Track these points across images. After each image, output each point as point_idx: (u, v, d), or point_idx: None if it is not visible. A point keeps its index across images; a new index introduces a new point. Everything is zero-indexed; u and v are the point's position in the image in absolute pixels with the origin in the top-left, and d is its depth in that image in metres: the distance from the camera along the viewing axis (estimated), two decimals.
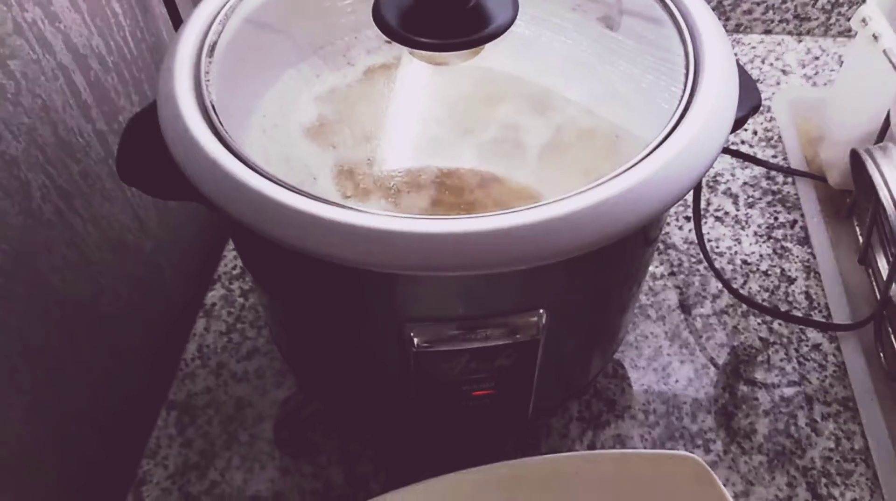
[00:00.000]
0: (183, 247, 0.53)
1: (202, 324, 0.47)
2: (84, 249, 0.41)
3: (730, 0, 0.65)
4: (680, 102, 0.30)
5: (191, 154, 0.26)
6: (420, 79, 0.36)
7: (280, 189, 0.25)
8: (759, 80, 0.63)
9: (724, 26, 0.67)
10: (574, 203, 0.24)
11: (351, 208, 0.24)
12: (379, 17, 0.31)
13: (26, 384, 0.37)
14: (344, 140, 0.34)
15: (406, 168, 0.32)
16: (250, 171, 0.25)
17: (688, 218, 0.52)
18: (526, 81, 0.37)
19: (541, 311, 0.28)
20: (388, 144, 0.33)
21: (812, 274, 0.48)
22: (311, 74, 0.38)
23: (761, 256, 0.50)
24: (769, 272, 0.49)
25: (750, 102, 0.34)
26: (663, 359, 0.45)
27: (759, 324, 0.46)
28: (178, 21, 0.47)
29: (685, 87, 0.31)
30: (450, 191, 0.33)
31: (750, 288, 0.48)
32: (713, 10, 0.66)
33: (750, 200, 0.53)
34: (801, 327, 0.46)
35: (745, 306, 0.47)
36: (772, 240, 0.51)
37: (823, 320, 0.46)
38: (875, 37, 0.43)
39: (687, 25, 0.34)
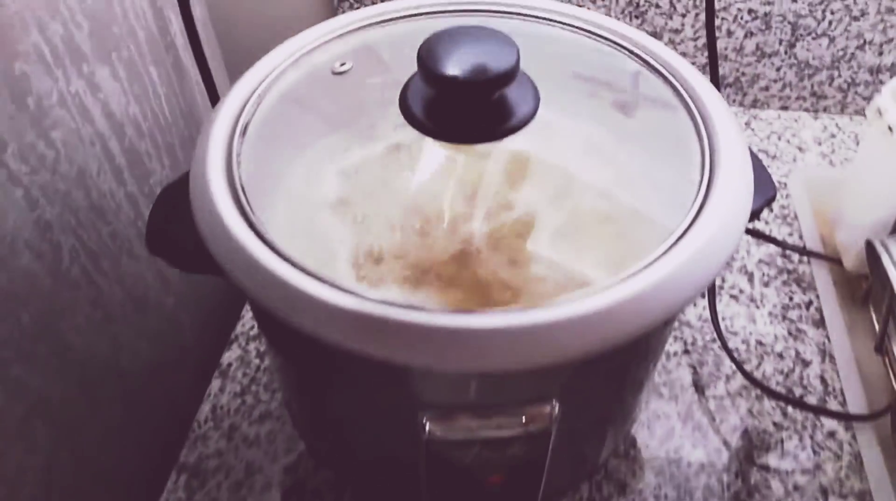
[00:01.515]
0: (203, 303, 0.54)
1: (217, 384, 0.48)
2: (107, 308, 0.42)
3: (747, 76, 0.66)
4: (696, 196, 0.31)
5: (218, 237, 0.27)
6: (442, 158, 0.37)
7: (301, 275, 0.25)
8: (775, 156, 0.64)
9: (741, 101, 0.68)
10: (593, 303, 0.25)
11: (369, 300, 0.24)
12: (405, 107, 0.32)
13: (44, 446, 0.38)
14: (364, 218, 0.35)
15: (424, 250, 0.33)
16: (274, 255, 0.26)
17: (702, 295, 0.52)
18: (545, 164, 0.38)
19: (553, 402, 0.28)
20: (407, 223, 0.34)
21: (827, 358, 0.48)
22: (338, 148, 0.40)
23: (776, 336, 0.50)
24: (784, 355, 0.49)
25: (765, 193, 0.35)
26: (676, 441, 0.44)
27: (773, 408, 0.46)
28: (213, 91, 0.49)
29: (701, 180, 0.31)
30: (467, 274, 0.33)
31: (764, 370, 0.48)
32: (730, 85, 0.67)
33: (765, 278, 0.54)
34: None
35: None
36: (787, 321, 0.51)
37: (839, 407, 0.45)
38: (890, 128, 0.43)
39: (700, 114, 0.35)
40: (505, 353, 0.23)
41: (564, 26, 0.38)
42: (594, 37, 0.38)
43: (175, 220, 0.32)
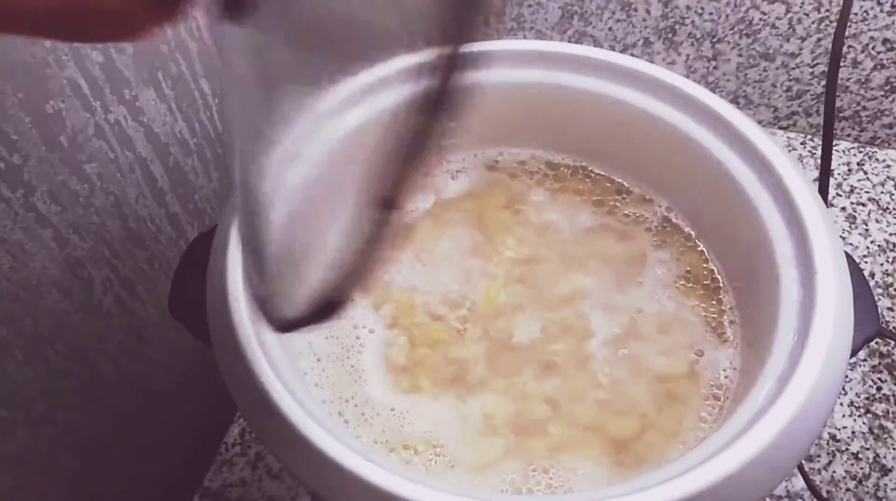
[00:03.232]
0: None
1: None
2: (142, 332, 0.41)
3: (869, 111, 0.58)
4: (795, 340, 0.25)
5: (237, 376, 0.25)
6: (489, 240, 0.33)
7: (317, 430, 0.22)
8: (887, 208, 0.56)
9: (857, 136, 0.60)
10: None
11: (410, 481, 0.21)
12: None
13: (68, 472, 0.38)
14: (395, 301, 0.32)
15: (465, 351, 0.30)
16: (292, 402, 0.23)
17: None
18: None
19: None
20: (451, 316, 0.31)
21: None
22: None
23: (854, 433, 0.45)
24: (860, 456, 0.44)
25: (864, 329, 0.30)
26: None
27: None
28: None
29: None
30: (503, 380, 0.30)
31: (833, 472, 0.43)
32: (847, 118, 0.59)
33: (852, 359, 0.48)
34: None
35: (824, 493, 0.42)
36: (870, 415, 0.45)
37: None
38: None
39: (794, 224, 0.29)
40: None
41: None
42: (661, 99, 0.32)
43: (201, 288, 0.30)
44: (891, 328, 0.48)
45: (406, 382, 0.29)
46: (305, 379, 0.28)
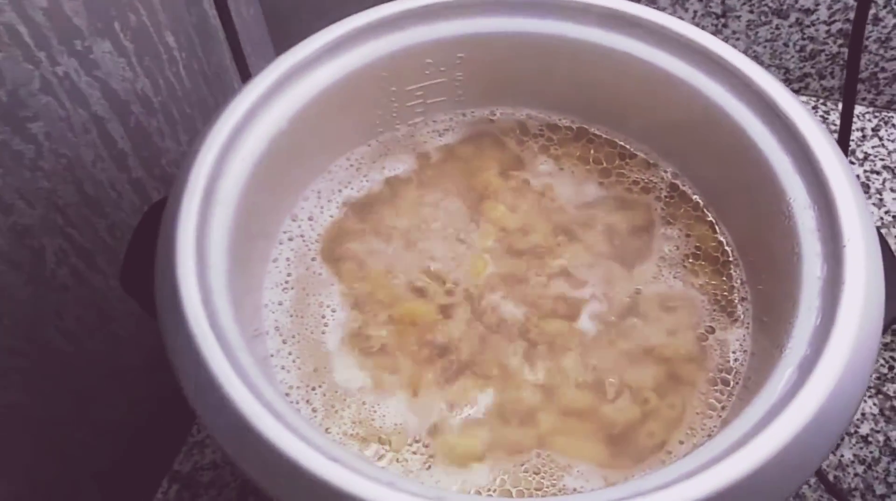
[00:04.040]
0: None
1: None
2: (103, 306, 0.38)
3: (888, 73, 0.55)
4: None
5: (190, 367, 0.22)
6: (468, 203, 0.30)
7: (271, 422, 0.19)
8: None
9: (873, 100, 0.57)
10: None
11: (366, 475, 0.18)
12: None
13: (26, 456, 0.35)
14: (369, 276, 0.28)
15: (446, 330, 0.27)
16: (243, 390, 0.20)
17: None
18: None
19: None
20: (422, 296, 0.28)
21: None
22: (366, 161, 0.33)
23: (864, 415, 0.42)
24: (870, 439, 0.41)
25: (893, 309, 0.27)
26: None
27: None
28: (240, 54, 0.42)
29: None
30: (488, 363, 0.27)
31: (841, 456, 0.41)
32: (863, 80, 0.56)
33: None
34: None
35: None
36: (881, 396, 0.43)
37: None
38: None
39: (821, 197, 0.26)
40: None
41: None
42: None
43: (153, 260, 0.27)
44: None
45: (380, 366, 0.26)
46: (270, 362, 0.26)
